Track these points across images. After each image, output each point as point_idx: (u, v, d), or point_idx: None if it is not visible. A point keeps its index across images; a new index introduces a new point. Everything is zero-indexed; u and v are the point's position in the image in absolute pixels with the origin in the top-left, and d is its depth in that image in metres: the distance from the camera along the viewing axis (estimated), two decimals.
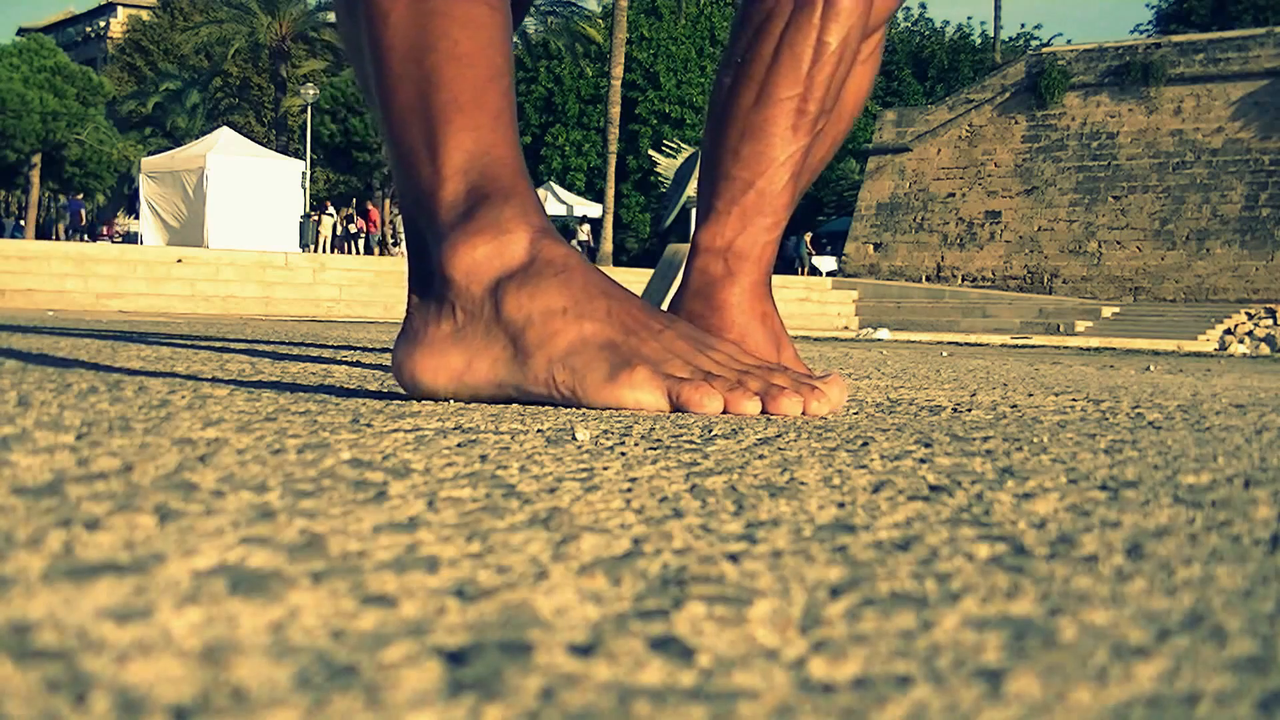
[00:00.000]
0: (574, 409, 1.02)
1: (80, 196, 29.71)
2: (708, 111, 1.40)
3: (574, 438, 0.76)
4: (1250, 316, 19.33)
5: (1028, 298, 21.08)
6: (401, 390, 1.10)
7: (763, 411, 0.98)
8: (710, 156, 1.35)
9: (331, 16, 38.56)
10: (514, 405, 1.04)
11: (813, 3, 1.28)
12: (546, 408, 1.02)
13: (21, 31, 48.15)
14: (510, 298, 0.98)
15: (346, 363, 1.80)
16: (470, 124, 1.02)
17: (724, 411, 0.97)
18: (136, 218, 22.59)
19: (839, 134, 1.46)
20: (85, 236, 26.31)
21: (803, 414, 0.99)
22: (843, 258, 27.05)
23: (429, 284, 1.04)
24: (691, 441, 0.77)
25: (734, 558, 0.41)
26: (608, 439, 0.77)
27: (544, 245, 1.01)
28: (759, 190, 1.32)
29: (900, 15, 36.34)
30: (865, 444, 0.79)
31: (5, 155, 27.98)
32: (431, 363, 1.01)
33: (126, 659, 0.27)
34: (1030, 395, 1.49)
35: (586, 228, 26.58)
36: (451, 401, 1.05)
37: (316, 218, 23.00)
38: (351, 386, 1.23)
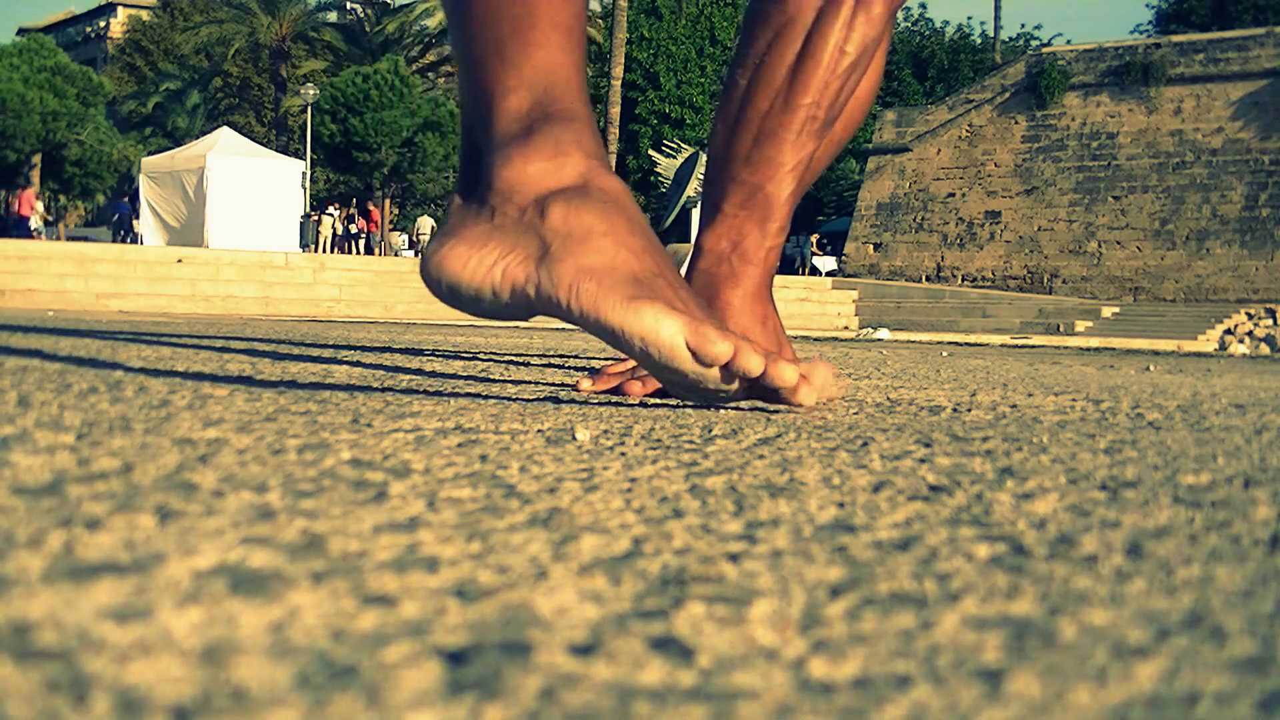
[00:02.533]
0: (574, 405, 1.02)
1: (126, 199, 28.83)
2: (717, 111, 1.39)
3: (574, 438, 0.76)
4: (1250, 316, 19.34)
5: (1027, 298, 21.09)
6: (398, 399, 1.10)
7: (726, 367, 0.94)
8: (719, 158, 1.35)
9: (332, 16, 38.70)
10: (514, 405, 1.04)
11: (838, 11, 1.27)
12: (546, 406, 1.02)
13: (21, 31, 48.18)
14: (555, 210, 0.99)
15: (346, 363, 1.80)
16: (541, 40, 1.04)
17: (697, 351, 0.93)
18: (137, 218, 22.55)
19: (839, 137, 1.45)
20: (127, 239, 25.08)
21: (787, 402, 0.98)
22: (843, 258, 27.06)
23: (475, 189, 1.05)
24: (691, 441, 0.77)
25: (734, 558, 0.41)
26: (608, 439, 0.77)
27: (598, 174, 1.02)
28: (766, 195, 1.31)
29: (900, 15, 36.33)
30: (865, 444, 0.79)
31: (5, 155, 27.94)
32: (463, 251, 1.01)
33: (127, 659, 0.27)
34: (1030, 395, 1.49)
35: None
36: (450, 403, 1.05)
37: (316, 217, 22.99)
38: (351, 386, 1.23)
